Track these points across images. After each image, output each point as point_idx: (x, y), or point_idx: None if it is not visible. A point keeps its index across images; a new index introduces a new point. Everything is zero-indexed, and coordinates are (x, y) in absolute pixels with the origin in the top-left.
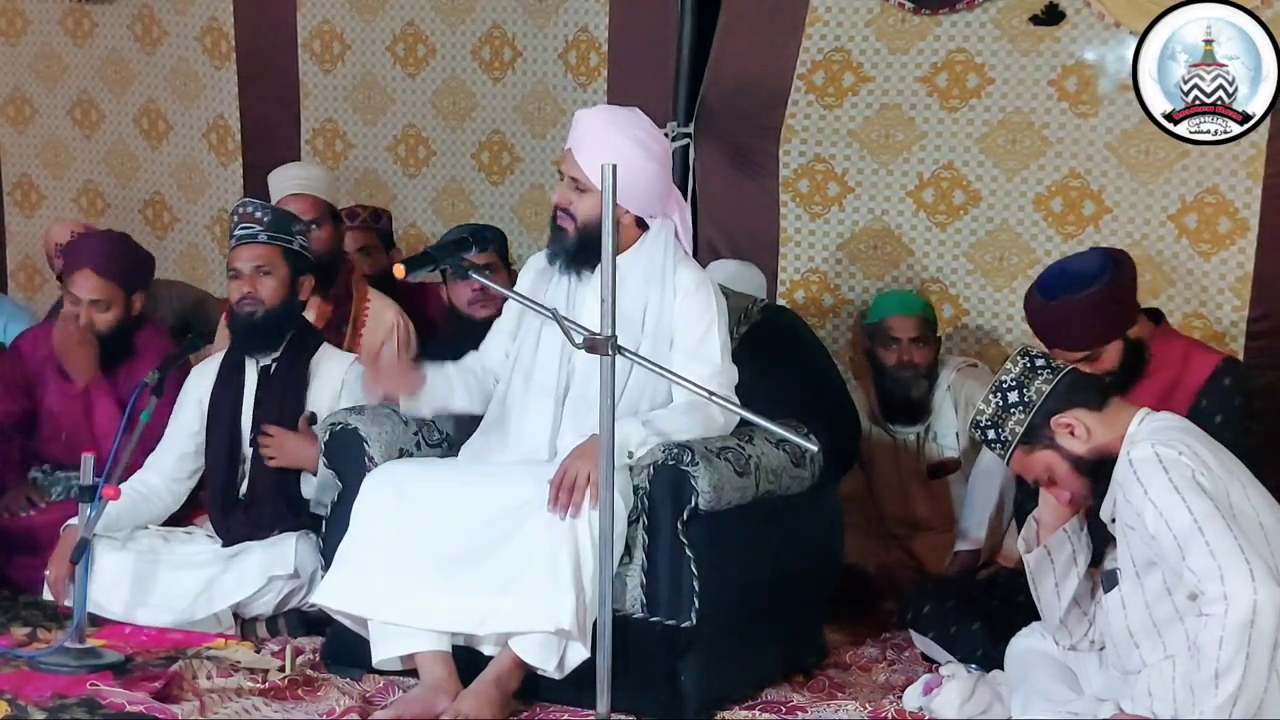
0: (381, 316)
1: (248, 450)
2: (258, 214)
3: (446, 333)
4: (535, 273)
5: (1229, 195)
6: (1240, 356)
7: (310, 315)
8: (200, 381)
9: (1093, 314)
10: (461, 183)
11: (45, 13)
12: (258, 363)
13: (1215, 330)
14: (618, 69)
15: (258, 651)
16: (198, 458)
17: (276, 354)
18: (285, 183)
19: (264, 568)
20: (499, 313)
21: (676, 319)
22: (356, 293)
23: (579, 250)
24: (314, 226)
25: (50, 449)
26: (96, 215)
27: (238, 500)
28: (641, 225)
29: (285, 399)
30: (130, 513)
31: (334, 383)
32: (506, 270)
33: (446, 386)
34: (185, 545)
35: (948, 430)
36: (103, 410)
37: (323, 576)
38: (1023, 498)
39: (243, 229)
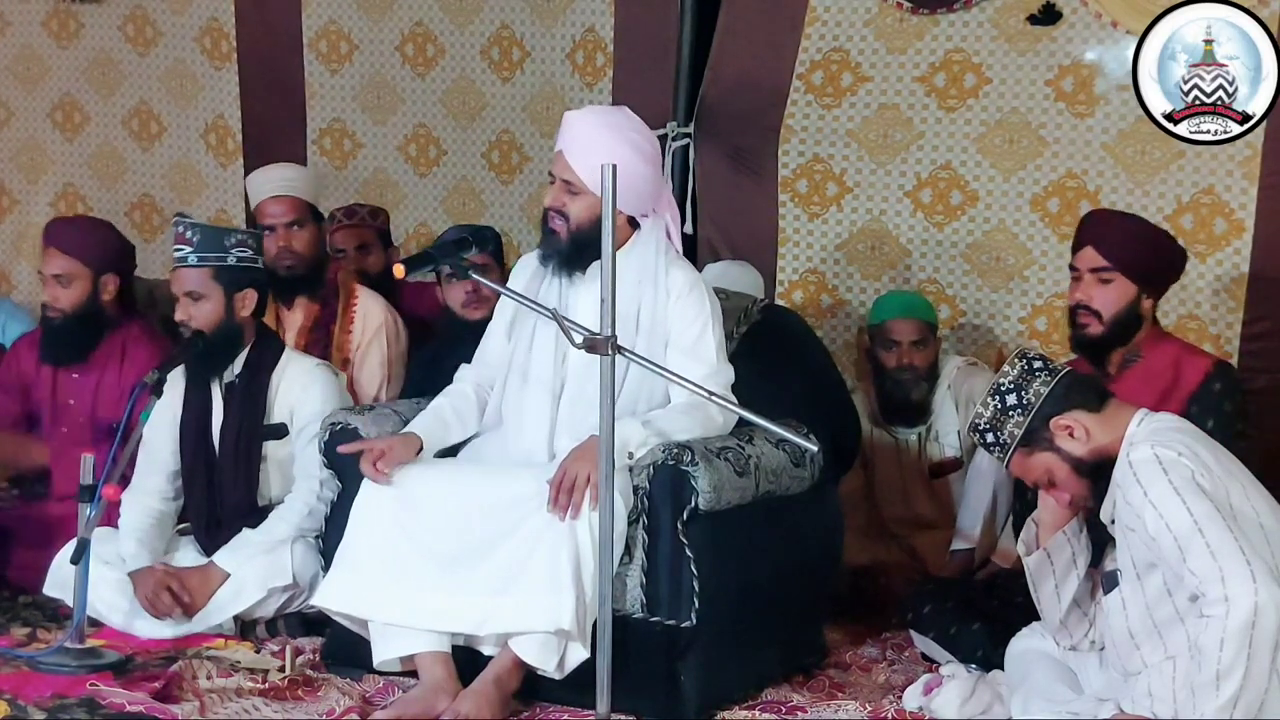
0: (370, 314)
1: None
2: (188, 234)
3: (439, 332)
4: (528, 274)
5: (1225, 196)
6: (1235, 359)
7: (299, 315)
8: (169, 395)
9: (1142, 238)
10: (472, 182)
11: (27, 14)
12: (221, 380)
13: (1210, 333)
14: (623, 69)
15: (258, 651)
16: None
17: (237, 370)
18: (265, 185)
19: (262, 580)
20: (491, 315)
21: (671, 320)
22: (344, 290)
23: (571, 252)
24: (295, 227)
25: (51, 446)
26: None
27: (219, 519)
28: (632, 224)
29: (249, 415)
30: (160, 533)
31: (298, 389)
32: (500, 271)
33: (442, 430)
34: (183, 558)
35: (949, 429)
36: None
37: (322, 578)
38: (1020, 507)
39: (176, 250)
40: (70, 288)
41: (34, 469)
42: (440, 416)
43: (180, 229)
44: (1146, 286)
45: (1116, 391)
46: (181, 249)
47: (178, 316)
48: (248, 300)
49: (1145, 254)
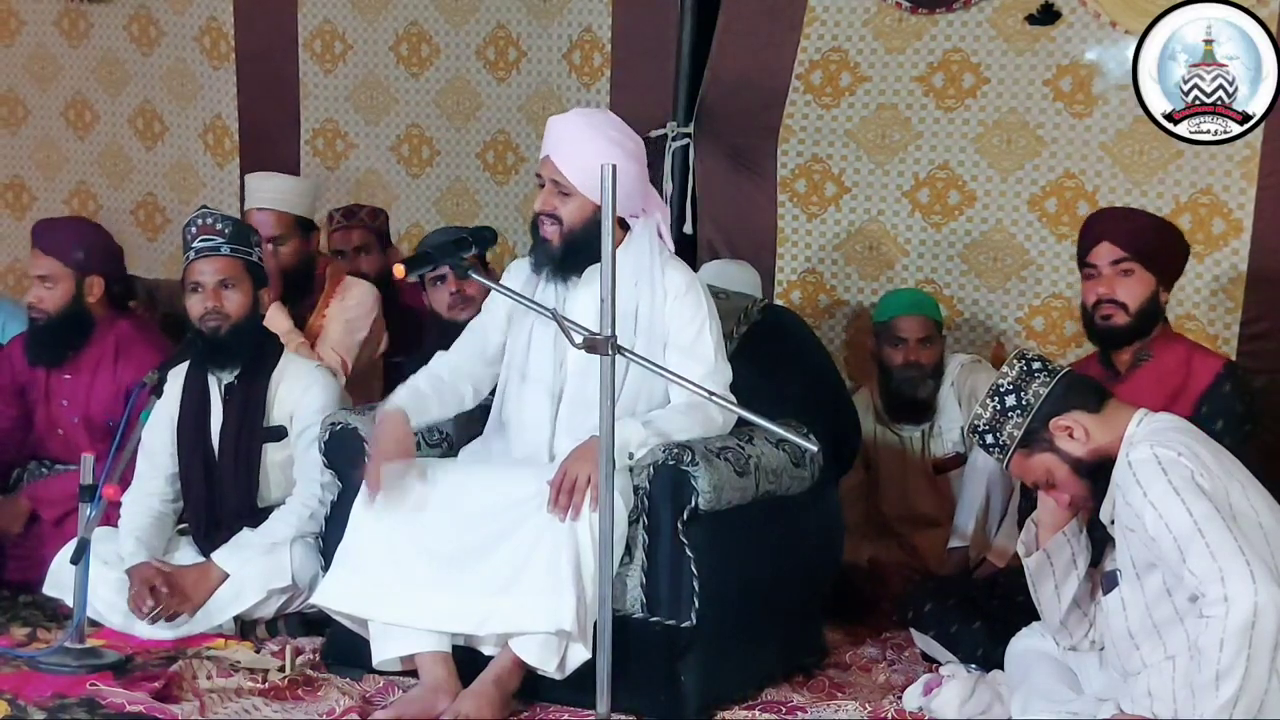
0: (351, 290)
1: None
2: (218, 225)
3: (426, 336)
4: (521, 279)
5: (1223, 196)
6: (1233, 360)
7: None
8: (166, 397)
9: (1154, 229)
10: (466, 183)
11: (40, 13)
12: (220, 380)
13: (1208, 333)
14: (620, 69)
15: (258, 651)
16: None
17: (239, 369)
18: (253, 195)
19: (262, 581)
20: (478, 314)
21: (669, 320)
22: (330, 283)
23: (565, 257)
24: (276, 244)
25: (50, 447)
26: (88, 217)
27: (219, 521)
28: (623, 226)
29: (249, 417)
30: (160, 533)
31: (298, 391)
32: (485, 270)
33: (422, 407)
34: (182, 558)
35: (952, 425)
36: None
37: (322, 577)
38: (1026, 504)
39: (204, 241)
40: (54, 289)
41: (19, 526)
42: (418, 391)
43: (209, 220)
44: (1162, 278)
45: (1127, 391)
46: (212, 239)
47: (207, 304)
48: (267, 297)
49: (1159, 244)
